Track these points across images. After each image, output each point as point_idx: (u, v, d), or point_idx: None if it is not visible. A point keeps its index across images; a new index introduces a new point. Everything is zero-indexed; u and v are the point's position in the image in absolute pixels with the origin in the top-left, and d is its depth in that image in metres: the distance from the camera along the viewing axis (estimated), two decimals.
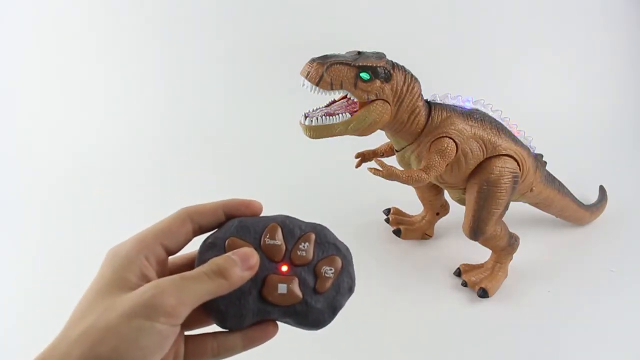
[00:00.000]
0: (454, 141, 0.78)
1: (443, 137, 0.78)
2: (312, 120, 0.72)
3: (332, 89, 0.70)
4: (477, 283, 0.88)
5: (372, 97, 0.72)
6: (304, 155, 1.27)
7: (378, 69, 0.71)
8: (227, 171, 1.33)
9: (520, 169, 0.84)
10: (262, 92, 1.58)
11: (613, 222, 1.11)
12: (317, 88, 0.70)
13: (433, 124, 0.79)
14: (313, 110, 0.74)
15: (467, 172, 0.83)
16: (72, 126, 1.46)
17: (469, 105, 0.83)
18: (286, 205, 1.17)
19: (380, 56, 0.74)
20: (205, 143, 1.44)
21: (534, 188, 0.91)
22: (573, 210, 1.02)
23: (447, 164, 0.80)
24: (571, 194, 1.01)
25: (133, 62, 1.58)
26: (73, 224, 1.11)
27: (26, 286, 0.91)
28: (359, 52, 0.74)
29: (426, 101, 0.81)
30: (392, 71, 0.73)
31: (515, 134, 0.87)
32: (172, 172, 1.32)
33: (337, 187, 1.20)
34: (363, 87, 0.71)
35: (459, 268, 0.93)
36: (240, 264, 0.40)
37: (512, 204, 0.91)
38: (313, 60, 0.71)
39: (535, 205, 0.99)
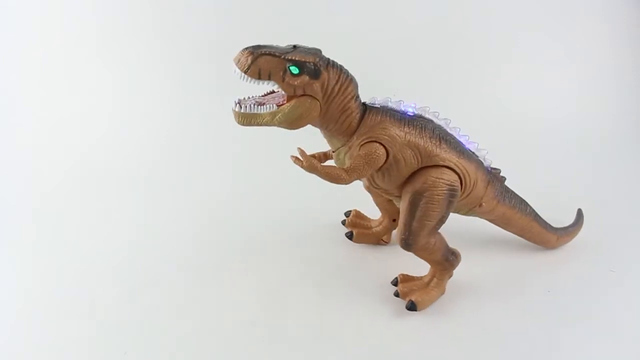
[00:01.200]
0: (384, 147, 0.77)
1: (372, 141, 0.76)
2: (241, 107, 0.74)
3: (260, 78, 0.71)
4: (408, 294, 0.86)
5: (300, 92, 0.72)
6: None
7: (307, 64, 0.71)
8: (229, 171, 1.35)
9: (461, 182, 0.81)
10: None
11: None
12: (246, 76, 0.71)
13: (365, 126, 0.77)
14: (247, 98, 0.76)
15: (399, 180, 0.81)
16: (71, 126, 1.49)
17: (411, 112, 0.81)
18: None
19: (313, 52, 0.74)
20: (209, 143, 1.46)
21: (483, 204, 0.88)
22: (536, 232, 0.96)
23: (379, 170, 0.79)
24: (535, 213, 0.95)
25: (135, 61, 1.60)
26: (73, 224, 1.12)
27: (26, 286, 0.92)
28: (295, 46, 0.74)
29: (363, 103, 0.80)
30: (323, 68, 0.73)
31: (466, 146, 0.84)
32: (172, 173, 1.34)
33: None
34: (291, 81, 0.71)
35: (397, 277, 0.90)
36: None
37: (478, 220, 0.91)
38: (246, 48, 0.71)
39: (493, 222, 0.95)
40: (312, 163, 0.76)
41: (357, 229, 1.03)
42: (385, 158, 0.78)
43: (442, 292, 0.87)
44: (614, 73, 1.81)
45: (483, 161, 0.87)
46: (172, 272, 0.96)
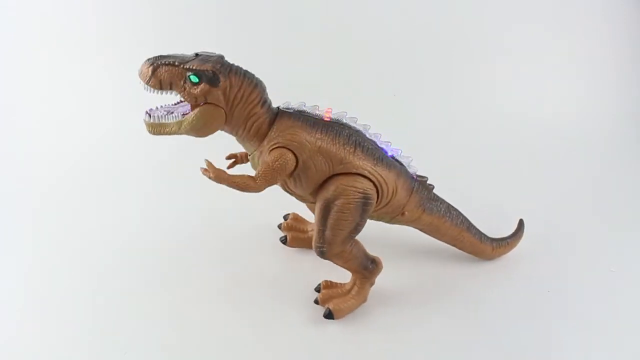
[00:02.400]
0: (293, 153, 0.76)
1: (280, 147, 0.75)
2: (150, 118, 0.74)
3: (161, 88, 0.71)
4: (327, 302, 0.85)
5: (202, 101, 0.72)
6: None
7: (206, 72, 0.70)
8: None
9: (378, 191, 0.80)
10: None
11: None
12: (149, 87, 0.71)
13: (275, 131, 0.76)
14: (158, 107, 0.76)
15: (311, 186, 0.79)
16: (71, 126, 1.51)
17: (327, 117, 0.79)
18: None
19: (214, 59, 0.72)
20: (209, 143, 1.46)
21: (406, 212, 0.86)
22: (468, 242, 0.94)
23: (290, 175, 0.78)
24: (467, 224, 0.93)
25: (135, 61, 1.54)
26: (72, 224, 1.13)
27: (26, 286, 0.93)
28: (197, 54, 0.74)
29: (277, 107, 0.79)
30: (222, 76, 0.72)
31: (387, 153, 0.82)
32: (173, 173, 1.34)
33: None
34: (192, 90, 0.71)
35: (320, 283, 0.89)
36: None
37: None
38: (147, 59, 0.72)
39: (422, 231, 0.93)
40: (219, 174, 0.76)
41: (292, 232, 1.01)
42: (294, 164, 0.77)
43: (364, 301, 0.86)
44: (614, 73, 1.80)
45: (407, 168, 0.85)
46: (172, 271, 0.97)
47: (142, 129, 0.77)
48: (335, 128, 0.78)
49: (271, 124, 0.77)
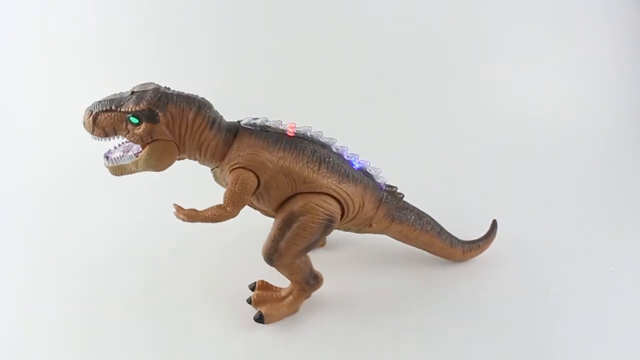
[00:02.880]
0: (254, 173, 0.74)
1: (240, 167, 0.74)
2: (109, 161, 0.75)
3: (107, 135, 0.71)
4: (259, 304, 0.85)
5: (148, 139, 0.71)
6: None
7: (142, 112, 0.69)
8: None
9: (343, 208, 0.79)
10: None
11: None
12: (95, 137, 0.72)
13: (234, 151, 0.75)
14: (114, 148, 0.76)
15: (274, 204, 0.78)
16: (71, 127, 1.48)
17: (291, 132, 0.77)
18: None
19: (150, 95, 0.70)
20: None
21: (374, 224, 0.86)
22: (439, 248, 0.94)
23: (253, 194, 0.76)
24: (438, 230, 0.93)
25: (135, 61, 1.64)
26: (73, 223, 1.15)
27: (26, 286, 0.95)
28: (132, 92, 0.72)
29: (236, 124, 0.78)
30: (160, 110, 0.70)
31: (354, 166, 0.81)
32: (172, 173, 1.36)
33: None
34: (135, 131, 0.71)
35: (255, 282, 0.89)
36: None
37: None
38: (87, 108, 0.71)
39: (393, 238, 0.93)
40: (190, 214, 0.76)
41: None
42: (256, 183, 0.75)
43: (295, 311, 0.86)
44: (614, 73, 1.78)
45: (376, 180, 0.84)
46: (173, 271, 0.97)
47: None
48: (299, 144, 0.77)
49: (229, 142, 0.76)
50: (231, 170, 0.75)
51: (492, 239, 1.01)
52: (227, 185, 0.77)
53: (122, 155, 0.74)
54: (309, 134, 0.79)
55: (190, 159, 0.78)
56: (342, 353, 0.79)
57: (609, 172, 1.42)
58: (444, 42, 1.73)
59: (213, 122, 0.74)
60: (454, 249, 0.95)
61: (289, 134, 0.77)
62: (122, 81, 1.59)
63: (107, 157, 0.75)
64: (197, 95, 0.75)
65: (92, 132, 0.71)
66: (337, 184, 0.77)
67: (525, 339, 0.82)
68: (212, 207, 0.76)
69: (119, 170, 0.74)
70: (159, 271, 0.99)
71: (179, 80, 1.63)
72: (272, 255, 0.79)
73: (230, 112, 1.24)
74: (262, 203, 0.79)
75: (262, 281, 0.89)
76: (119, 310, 0.88)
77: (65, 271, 0.98)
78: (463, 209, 1.22)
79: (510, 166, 1.48)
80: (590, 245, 1.07)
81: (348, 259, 1.02)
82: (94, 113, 0.70)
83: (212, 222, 0.76)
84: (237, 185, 0.74)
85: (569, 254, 1.04)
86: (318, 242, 0.80)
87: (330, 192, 0.77)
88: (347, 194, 0.78)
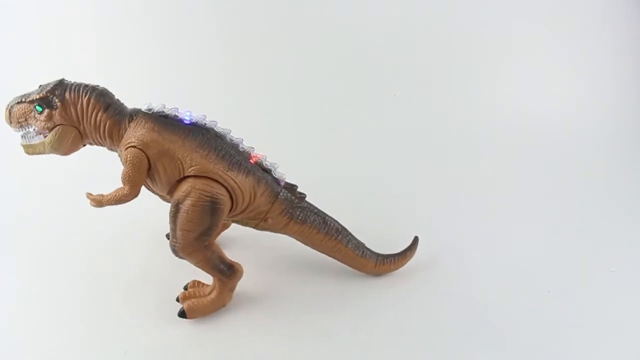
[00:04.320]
0: (143, 152, 0.78)
1: (130, 147, 0.78)
2: (23, 139, 0.82)
3: (22, 126, 0.80)
4: (185, 299, 0.86)
5: (52, 125, 0.80)
6: None
7: (43, 99, 0.79)
8: None
9: (232, 196, 0.80)
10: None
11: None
12: (17, 130, 0.81)
13: (129, 133, 0.79)
14: (32, 130, 0.82)
15: (165, 187, 0.81)
16: None
17: (187, 120, 0.80)
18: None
19: (51, 86, 0.79)
20: None
21: (269, 219, 0.86)
22: (347, 256, 0.92)
23: (147, 176, 0.80)
24: (346, 237, 0.90)
25: (136, 63, 1.67)
26: (73, 223, 1.15)
27: (25, 286, 0.95)
28: (39, 85, 0.81)
29: (135, 109, 0.81)
30: (57, 98, 0.78)
31: (251, 160, 0.82)
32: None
33: None
34: (41, 118, 0.79)
35: (188, 282, 0.91)
36: None
37: None
38: (6, 105, 0.80)
39: (299, 241, 0.92)
40: (97, 199, 0.82)
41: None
42: (147, 163, 0.79)
43: (222, 305, 0.86)
44: (614, 73, 1.76)
45: (273, 175, 0.85)
46: (173, 271, 0.96)
47: None
48: (192, 131, 0.80)
49: (125, 125, 0.80)
50: (123, 151, 0.79)
51: (411, 255, 0.97)
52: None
53: (34, 137, 0.81)
54: (203, 122, 0.81)
55: (95, 144, 0.84)
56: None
57: (608, 172, 1.40)
58: (444, 43, 1.73)
59: (108, 106, 0.80)
60: (364, 260, 0.93)
61: (185, 121, 0.80)
62: (122, 84, 1.60)
63: (23, 137, 0.82)
64: (97, 85, 0.82)
65: (10, 124, 0.81)
66: (224, 171, 0.79)
67: None
68: (114, 190, 0.81)
69: (30, 149, 0.82)
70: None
71: (178, 83, 1.65)
72: (174, 245, 0.80)
73: (230, 111, 1.22)
74: (154, 185, 0.82)
75: (195, 280, 0.91)
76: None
77: (65, 271, 0.98)
78: (461, 206, 1.21)
79: (510, 166, 1.47)
80: (592, 244, 1.07)
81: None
82: (9, 107, 0.80)
83: (115, 204, 0.81)
84: (128, 164, 0.78)
85: (567, 255, 1.03)
86: (213, 228, 0.80)
87: (216, 177, 0.78)
88: (235, 182, 0.80)
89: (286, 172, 0.88)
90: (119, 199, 0.80)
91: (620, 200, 1.25)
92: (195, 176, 0.78)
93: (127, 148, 0.78)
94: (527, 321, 0.85)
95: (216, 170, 0.78)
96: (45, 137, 0.81)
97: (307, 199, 0.89)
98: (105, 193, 0.81)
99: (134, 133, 0.79)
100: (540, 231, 1.13)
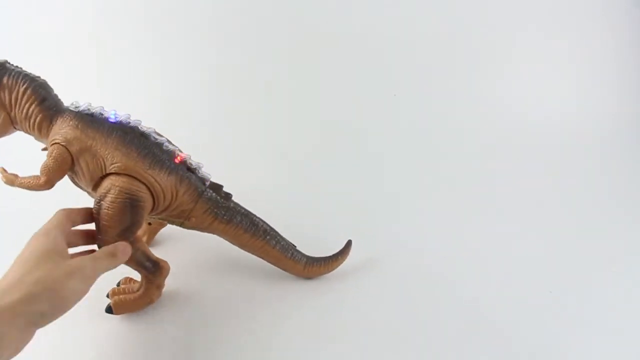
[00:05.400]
0: (67, 149, 0.78)
1: (54, 143, 0.79)
2: None
3: None
4: (115, 295, 0.87)
5: None
6: None
7: None
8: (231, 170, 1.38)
9: (152, 193, 0.80)
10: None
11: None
12: None
13: (54, 129, 0.80)
14: None
15: (88, 183, 0.81)
16: None
17: (113, 118, 0.81)
18: None
19: None
20: (207, 141, 1.51)
21: (193, 218, 0.86)
22: (274, 257, 0.93)
23: (71, 172, 0.81)
24: (274, 236, 0.91)
25: (136, 64, 1.70)
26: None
27: None
28: None
29: (62, 108, 0.81)
30: None
31: (176, 160, 0.82)
32: None
33: None
34: None
35: (121, 279, 0.91)
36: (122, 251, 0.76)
37: None
38: None
39: (227, 241, 0.92)
40: (9, 178, 0.82)
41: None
42: (70, 159, 0.79)
43: (149, 302, 0.87)
44: (615, 73, 1.76)
45: (197, 174, 0.85)
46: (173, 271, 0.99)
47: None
48: (116, 130, 0.80)
49: (54, 121, 0.80)
50: (50, 146, 0.80)
51: (344, 259, 0.97)
52: None
53: None
54: (127, 121, 0.81)
55: (25, 132, 0.84)
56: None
57: (609, 172, 1.40)
58: (444, 43, 1.72)
59: (43, 100, 0.80)
60: (293, 262, 0.93)
61: (109, 119, 0.81)
62: (123, 84, 1.68)
63: None
64: (38, 77, 0.81)
65: None
66: (145, 169, 0.79)
67: None
68: (30, 176, 0.81)
69: None
70: None
71: (179, 84, 1.69)
72: (100, 242, 0.80)
73: (230, 110, 1.21)
74: (78, 181, 0.83)
75: (127, 277, 0.91)
76: None
77: None
78: (461, 209, 1.20)
79: (510, 166, 1.47)
80: (592, 244, 1.06)
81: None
82: None
83: (26, 189, 0.81)
84: (50, 159, 0.78)
85: (567, 255, 1.03)
86: (135, 225, 0.80)
87: (137, 175, 0.78)
88: (155, 180, 0.80)
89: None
90: (32, 186, 0.80)
91: (621, 200, 1.25)
92: (116, 173, 0.79)
93: (52, 144, 0.79)
94: (528, 321, 0.85)
95: (137, 169, 0.79)
96: None
97: (239, 200, 0.89)
98: (20, 175, 0.82)
99: (59, 130, 0.79)
100: (541, 231, 1.12)
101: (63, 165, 0.79)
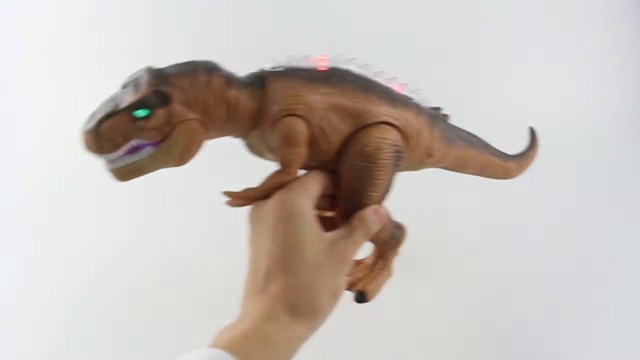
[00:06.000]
0: (302, 118, 0.61)
1: (285, 116, 0.60)
2: (112, 163, 0.56)
3: (119, 146, 0.55)
4: (354, 284, 0.72)
5: (168, 128, 0.56)
6: None
7: (147, 99, 0.54)
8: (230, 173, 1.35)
9: (405, 137, 0.67)
10: None
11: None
12: (107, 155, 0.55)
13: (269, 101, 0.61)
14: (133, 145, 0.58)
15: (330, 151, 0.64)
16: (72, 130, 1.53)
17: (323, 66, 0.64)
18: None
19: (145, 79, 0.55)
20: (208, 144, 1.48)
21: (434, 152, 0.72)
22: (496, 165, 0.82)
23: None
24: (488, 145, 0.81)
25: (137, 61, 1.62)
26: (74, 223, 1.18)
27: (27, 286, 0.96)
28: (124, 85, 0.58)
29: (260, 72, 0.63)
30: (167, 88, 0.55)
31: (397, 90, 0.68)
32: (172, 176, 1.36)
33: None
34: (149, 125, 0.55)
35: None
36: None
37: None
38: (83, 130, 0.55)
39: (450, 169, 0.79)
40: (248, 193, 0.64)
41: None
42: (307, 131, 0.62)
43: (390, 275, 0.75)
44: (615, 73, 1.80)
45: (421, 103, 0.71)
46: (174, 273, 0.98)
47: None
48: (338, 76, 0.64)
49: (258, 94, 0.62)
50: (274, 124, 0.61)
51: (537, 146, 0.91)
52: (273, 146, 0.64)
53: (135, 154, 0.57)
54: (341, 65, 0.66)
55: (218, 135, 0.63)
56: None
57: (609, 172, 1.44)
58: (444, 42, 1.73)
59: (229, 79, 0.60)
60: (508, 163, 0.84)
61: (321, 68, 0.64)
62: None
63: (110, 160, 0.57)
64: (194, 60, 0.61)
65: (101, 151, 0.55)
66: (393, 110, 0.65)
67: None
68: (269, 176, 0.63)
69: (128, 172, 0.57)
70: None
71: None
72: (350, 216, 0.65)
73: None
74: (314, 154, 0.64)
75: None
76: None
77: (66, 273, 0.99)
78: (461, 209, 1.21)
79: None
80: (592, 245, 1.06)
81: None
82: (92, 129, 0.54)
83: (271, 192, 0.62)
84: (288, 139, 0.60)
85: (568, 255, 1.03)
86: (392, 184, 0.67)
87: (389, 119, 0.64)
88: (405, 119, 0.66)
89: None
90: (279, 184, 0.62)
91: (621, 200, 1.27)
92: (367, 126, 0.64)
93: (284, 118, 0.60)
94: (528, 321, 0.86)
95: (387, 112, 0.65)
96: (155, 147, 0.57)
97: None
98: (252, 186, 0.64)
99: (285, 98, 0.61)
100: (541, 231, 1.12)
101: (304, 140, 0.61)
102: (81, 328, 0.83)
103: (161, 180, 1.35)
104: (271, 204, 0.59)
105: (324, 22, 1.69)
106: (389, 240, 0.70)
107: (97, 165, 0.80)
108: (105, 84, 1.63)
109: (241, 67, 0.62)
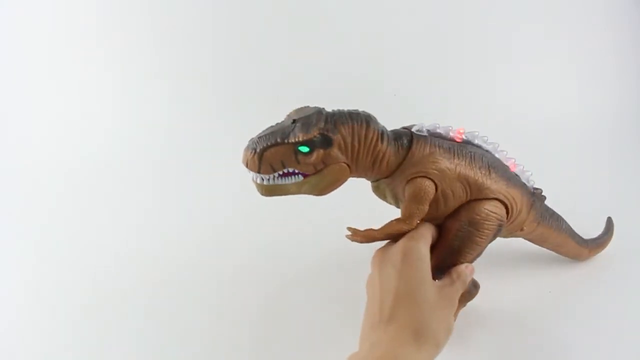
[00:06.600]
0: (433, 181, 0.69)
1: (420, 177, 0.68)
2: (263, 179, 0.66)
3: (275, 171, 0.65)
4: None
5: (321, 167, 0.66)
6: None
7: (314, 139, 0.64)
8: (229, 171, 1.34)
9: (509, 213, 0.76)
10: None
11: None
12: (261, 175, 0.65)
13: (413, 159, 0.70)
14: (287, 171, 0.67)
15: (446, 212, 0.73)
16: (78, 126, 1.53)
17: (459, 138, 0.73)
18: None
19: (315, 119, 0.65)
20: (209, 144, 1.50)
21: (524, 228, 0.83)
22: (571, 247, 0.93)
23: None
24: (570, 229, 0.92)
25: (137, 66, 1.67)
26: (75, 223, 1.18)
27: (27, 286, 0.96)
28: (294, 120, 0.66)
29: (407, 132, 0.72)
30: (332, 133, 0.65)
31: (512, 169, 0.77)
32: (176, 172, 1.38)
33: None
34: (307, 160, 0.65)
35: None
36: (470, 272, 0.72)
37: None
38: (248, 147, 0.66)
39: (529, 240, 0.90)
40: (369, 234, 0.72)
41: None
42: (434, 192, 0.70)
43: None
44: (615, 72, 1.80)
45: (527, 184, 0.81)
46: (174, 273, 0.98)
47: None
48: (469, 150, 0.73)
49: (402, 153, 0.71)
50: (409, 180, 0.70)
51: (611, 236, 1.02)
52: (399, 196, 0.74)
53: (282, 177, 0.67)
54: (475, 140, 0.75)
55: (356, 177, 0.72)
56: None
57: (609, 171, 1.43)
58: (445, 42, 1.74)
59: (382, 135, 0.69)
60: (581, 248, 0.95)
61: (457, 139, 0.73)
62: (123, 86, 1.65)
63: (262, 178, 0.66)
64: (358, 110, 0.70)
65: (259, 170, 0.65)
66: (506, 189, 0.75)
67: None
68: (390, 223, 0.72)
69: (273, 190, 0.68)
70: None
71: (179, 86, 1.69)
72: (442, 269, 0.73)
73: (229, 108, 1.22)
74: (431, 211, 0.73)
75: None
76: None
77: (69, 276, 0.99)
78: None
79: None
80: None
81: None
82: (258, 151, 0.64)
83: (388, 238, 0.74)
84: (418, 197, 0.69)
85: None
86: (484, 250, 0.76)
87: (501, 197, 0.74)
88: (513, 198, 0.77)
89: None
90: (398, 232, 0.71)
91: (621, 200, 1.26)
92: (482, 199, 0.73)
93: (418, 178, 0.69)
94: (528, 321, 0.85)
95: (500, 189, 0.74)
96: (305, 177, 0.67)
97: None
98: (374, 228, 0.72)
99: (423, 161, 0.70)
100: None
101: (429, 200, 0.70)
102: (81, 328, 0.83)
103: (161, 180, 1.38)
104: (399, 249, 0.68)
105: (324, 22, 1.71)
106: (465, 294, 0.77)
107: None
108: (106, 83, 1.67)
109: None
